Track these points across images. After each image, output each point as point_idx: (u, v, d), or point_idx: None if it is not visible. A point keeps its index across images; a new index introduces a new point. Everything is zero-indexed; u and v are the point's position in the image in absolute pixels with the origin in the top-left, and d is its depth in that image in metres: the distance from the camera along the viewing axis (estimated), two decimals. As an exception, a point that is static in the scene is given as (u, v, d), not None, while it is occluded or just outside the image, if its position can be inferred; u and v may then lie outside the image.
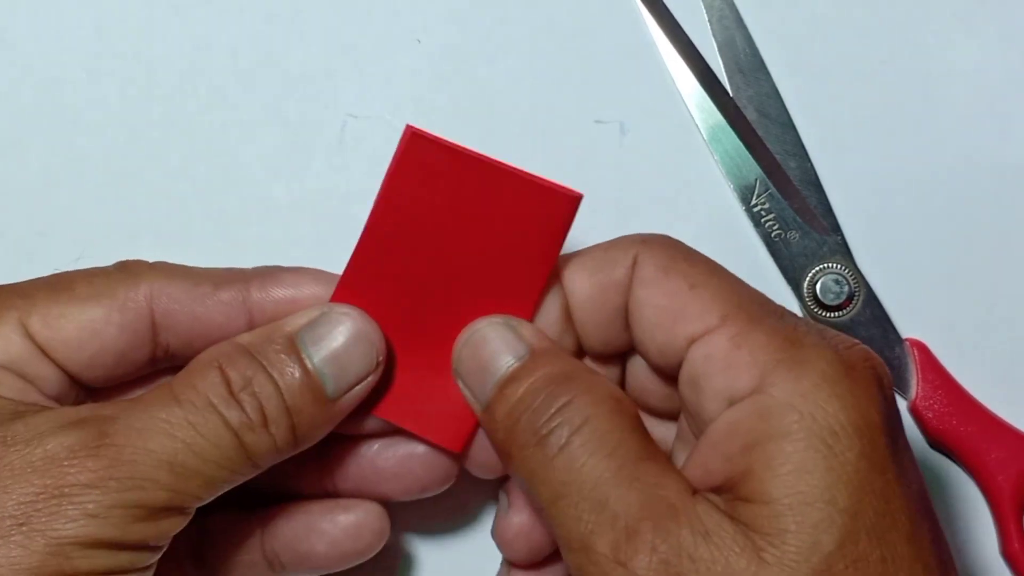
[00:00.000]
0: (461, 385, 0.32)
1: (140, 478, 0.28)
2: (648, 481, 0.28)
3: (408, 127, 0.31)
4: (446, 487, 0.35)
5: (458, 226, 0.32)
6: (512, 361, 0.31)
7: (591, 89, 0.40)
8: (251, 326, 0.33)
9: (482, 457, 0.33)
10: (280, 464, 0.32)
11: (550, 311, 0.32)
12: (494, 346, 0.31)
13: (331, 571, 0.35)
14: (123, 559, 0.28)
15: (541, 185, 0.31)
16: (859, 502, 0.26)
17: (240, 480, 0.30)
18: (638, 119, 0.39)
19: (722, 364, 0.29)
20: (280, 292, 0.33)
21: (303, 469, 0.35)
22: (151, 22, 0.40)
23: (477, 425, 0.33)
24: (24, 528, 0.27)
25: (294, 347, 0.31)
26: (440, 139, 0.31)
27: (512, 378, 0.30)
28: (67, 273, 0.33)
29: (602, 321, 0.32)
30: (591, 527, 0.28)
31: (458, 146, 0.31)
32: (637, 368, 0.33)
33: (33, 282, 0.32)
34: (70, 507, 0.27)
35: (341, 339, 0.31)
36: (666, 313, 0.30)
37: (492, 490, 0.38)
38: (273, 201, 0.39)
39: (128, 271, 0.33)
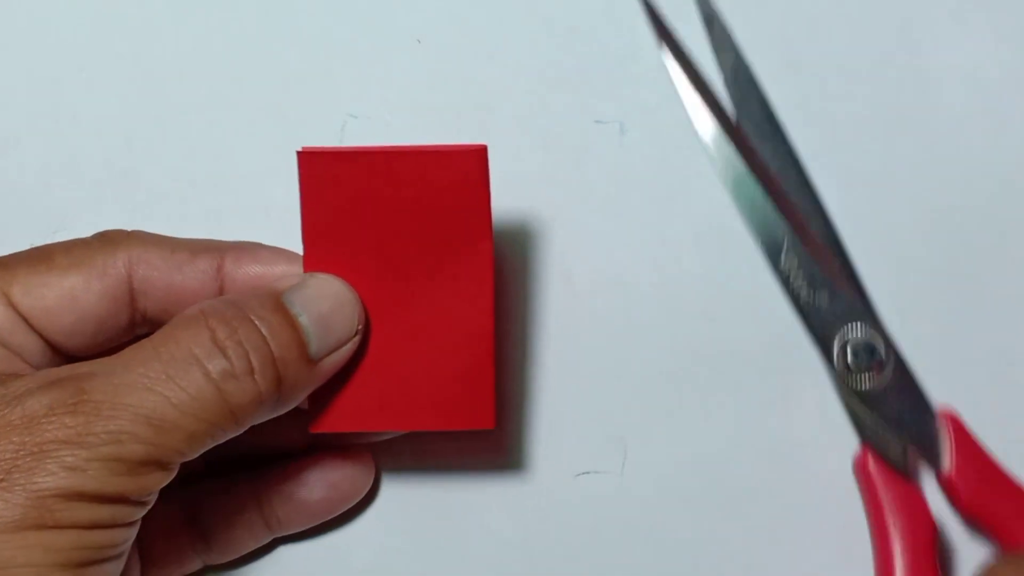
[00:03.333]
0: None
1: (118, 432, 0.28)
2: None
3: (299, 151, 0.32)
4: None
5: (391, 221, 0.33)
6: None
7: (591, 89, 0.40)
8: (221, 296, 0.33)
9: None
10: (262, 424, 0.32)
11: None
12: None
13: (325, 518, 0.37)
14: (105, 513, 0.28)
15: (443, 152, 0.32)
16: None
17: (223, 436, 0.30)
18: (638, 119, 0.40)
19: None
20: (254, 268, 0.34)
21: (284, 424, 0.35)
22: (150, 22, 0.40)
23: (493, 390, 0.34)
24: (4, 483, 0.27)
25: (281, 304, 0.31)
26: (330, 149, 0.32)
27: None
28: (45, 245, 0.33)
29: None
30: None
31: (349, 148, 0.33)
32: None
33: (11, 255, 0.33)
34: (49, 462, 0.27)
35: (326, 301, 0.32)
36: None
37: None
38: (273, 201, 0.39)
39: (106, 239, 0.34)
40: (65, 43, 0.40)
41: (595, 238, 0.39)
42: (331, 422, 0.33)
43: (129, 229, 0.35)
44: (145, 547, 0.35)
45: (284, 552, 0.38)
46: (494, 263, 0.33)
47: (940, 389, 0.39)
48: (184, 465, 0.35)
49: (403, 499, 0.38)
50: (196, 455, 0.30)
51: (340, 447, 0.37)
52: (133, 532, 0.30)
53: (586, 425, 0.39)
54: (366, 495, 0.37)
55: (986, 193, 0.40)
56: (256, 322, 0.31)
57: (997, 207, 0.40)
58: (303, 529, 0.37)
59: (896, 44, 0.40)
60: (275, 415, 0.32)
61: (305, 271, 0.33)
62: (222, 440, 0.31)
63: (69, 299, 0.32)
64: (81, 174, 0.39)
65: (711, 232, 0.39)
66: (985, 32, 0.40)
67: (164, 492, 0.35)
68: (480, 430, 0.36)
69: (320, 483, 0.36)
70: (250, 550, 0.37)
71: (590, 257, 0.39)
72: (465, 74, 0.40)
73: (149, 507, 0.30)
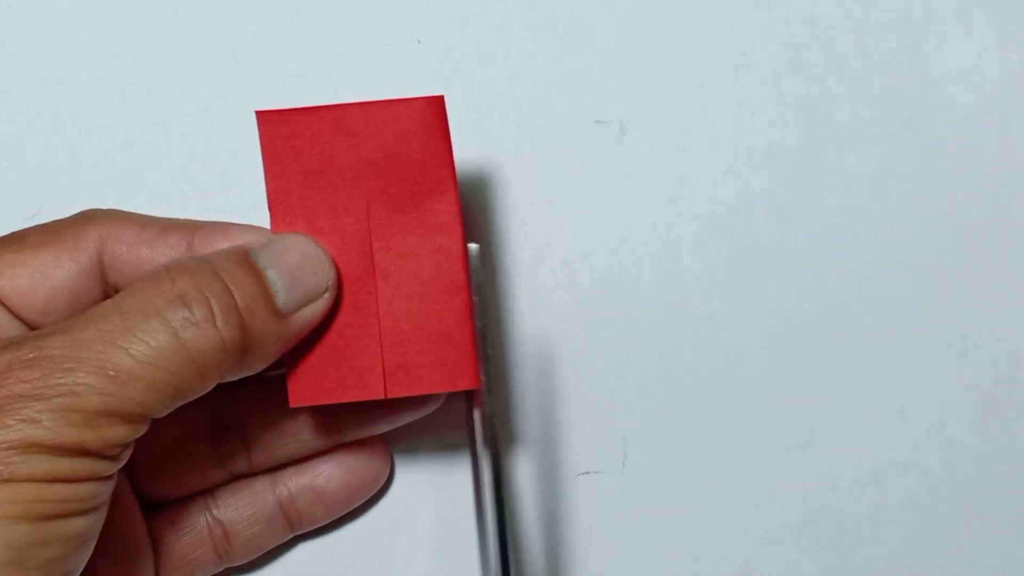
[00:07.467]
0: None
1: (73, 384, 0.28)
2: None
3: (257, 111, 0.33)
4: (429, 410, 0.36)
5: (355, 177, 0.33)
6: None
7: (591, 89, 0.40)
8: None
9: None
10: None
11: None
12: None
13: (344, 510, 0.37)
14: (65, 465, 0.28)
15: (401, 103, 0.33)
16: None
17: (190, 389, 0.30)
18: (638, 119, 0.40)
19: None
20: (223, 243, 0.33)
21: (306, 433, 0.36)
22: (151, 22, 0.40)
23: (476, 347, 0.33)
24: None
25: (248, 258, 0.31)
26: (288, 109, 0.33)
27: None
28: (22, 229, 0.34)
29: None
30: None
31: (308, 106, 0.33)
32: None
33: None
34: (5, 416, 0.27)
35: (294, 255, 0.32)
36: None
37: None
38: (273, 201, 0.39)
39: (81, 217, 0.34)
40: (65, 43, 0.40)
41: (595, 238, 0.39)
42: (310, 395, 0.33)
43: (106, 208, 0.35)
44: (164, 548, 0.35)
45: (301, 551, 0.38)
46: (462, 212, 0.33)
47: (941, 389, 0.39)
48: (209, 476, 0.35)
49: (409, 501, 0.38)
50: (163, 410, 0.29)
51: (354, 443, 0.37)
52: (103, 488, 0.29)
53: (586, 425, 0.39)
54: (369, 500, 0.38)
55: (988, 194, 0.40)
56: (220, 272, 0.30)
57: (999, 208, 0.40)
58: (322, 524, 0.37)
59: (898, 44, 0.40)
60: (245, 372, 0.31)
61: (273, 233, 0.33)
62: (191, 396, 0.30)
63: (40, 276, 0.32)
64: (81, 174, 0.39)
65: (711, 232, 0.39)
66: (987, 32, 0.40)
67: (187, 494, 0.36)
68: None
69: (338, 470, 0.36)
70: (269, 549, 0.37)
71: (590, 257, 0.39)
72: (465, 74, 0.40)
73: (120, 463, 0.29)
